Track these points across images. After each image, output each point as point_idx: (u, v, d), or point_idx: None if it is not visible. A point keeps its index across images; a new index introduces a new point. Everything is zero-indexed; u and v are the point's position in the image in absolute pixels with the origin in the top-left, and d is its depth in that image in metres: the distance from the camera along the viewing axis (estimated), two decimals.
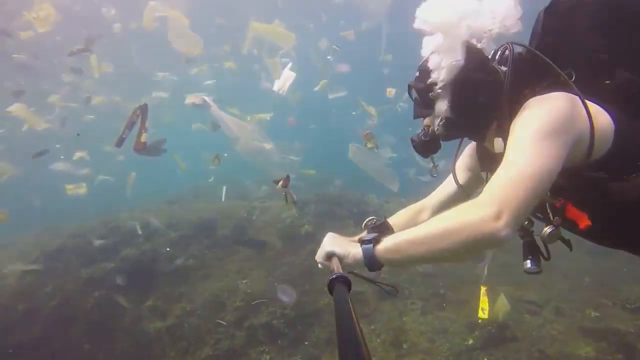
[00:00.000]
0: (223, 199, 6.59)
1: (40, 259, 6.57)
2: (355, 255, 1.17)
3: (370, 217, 1.57)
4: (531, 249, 1.34)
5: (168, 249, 6.38)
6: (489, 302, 2.82)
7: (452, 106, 1.31)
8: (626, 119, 1.22)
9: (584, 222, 1.16)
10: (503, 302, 4.39)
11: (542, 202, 1.22)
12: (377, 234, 1.17)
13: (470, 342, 4.87)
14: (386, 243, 1.13)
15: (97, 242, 6.13)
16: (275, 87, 3.86)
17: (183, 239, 6.64)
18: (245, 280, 5.74)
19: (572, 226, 1.21)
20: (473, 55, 1.28)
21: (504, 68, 1.30)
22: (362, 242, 1.16)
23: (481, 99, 1.28)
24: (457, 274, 6.48)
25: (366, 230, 1.50)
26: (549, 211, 1.23)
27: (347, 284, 0.94)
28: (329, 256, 1.24)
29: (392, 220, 1.62)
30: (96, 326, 5.83)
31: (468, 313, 5.42)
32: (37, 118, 5.02)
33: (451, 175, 1.61)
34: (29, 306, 6.08)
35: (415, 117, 1.45)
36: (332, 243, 1.27)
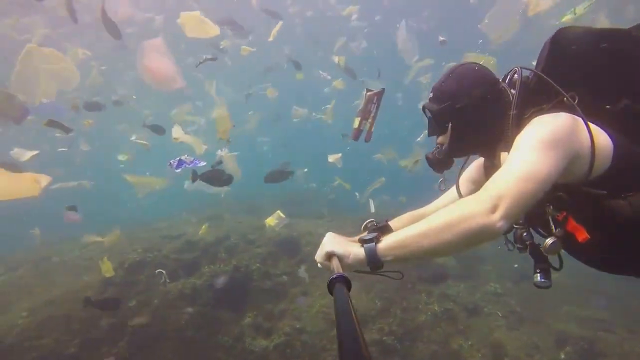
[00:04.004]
0: (373, 210, 6.84)
1: (120, 273, 6.35)
2: (356, 254, 1.17)
3: (370, 219, 1.55)
4: (539, 263, 1.38)
5: (258, 265, 6.44)
6: None
7: (465, 127, 1.42)
8: (624, 141, 1.29)
9: (582, 234, 1.22)
10: None
11: (545, 215, 1.29)
12: (377, 233, 1.19)
13: (563, 356, 5.47)
14: (388, 240, 1.15)
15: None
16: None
17: (270, 256, 6.72)
18: None
19: (571, 240, 1.26)
20: (483, 78, 1.42)
21: (512, 90, 1.41)
22: (363, 241, 1.17)
23: (491, 120, 1.40)
24: (523, 293, 7.11)
25: (366, 231, 1.49)
26: (551, 224, 1.29)
27: (347, 284, 0.94)
28: (329, 256, 1.23)
29: (393, 224, 1.63)
30: (192, 344, 5.75)
31: (550, 330, 6.05)
32: (197, 140, 4.86)
33: (454, 186, 1.68)
34: (113, 321, 5.86)
35: (430, 135, 1.54)
36: (332, 243, 1.25)
